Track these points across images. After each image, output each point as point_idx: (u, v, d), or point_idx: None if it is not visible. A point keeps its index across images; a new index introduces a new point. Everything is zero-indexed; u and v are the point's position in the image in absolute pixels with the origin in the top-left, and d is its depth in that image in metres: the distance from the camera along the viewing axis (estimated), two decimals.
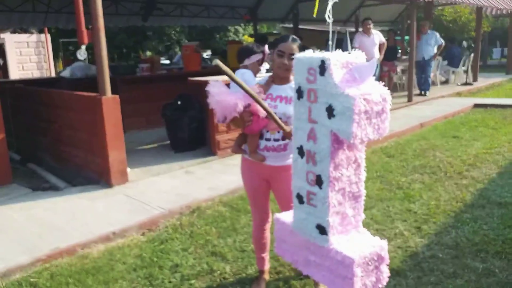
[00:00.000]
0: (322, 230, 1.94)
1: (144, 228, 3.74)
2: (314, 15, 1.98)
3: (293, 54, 2.36)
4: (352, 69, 1.76)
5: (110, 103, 4.69)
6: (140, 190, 4.60)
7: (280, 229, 2.26)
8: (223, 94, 2.38)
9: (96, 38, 4.58)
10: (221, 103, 2.36)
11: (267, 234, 2.80)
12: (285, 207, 2.65)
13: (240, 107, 2.34)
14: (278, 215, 2.29)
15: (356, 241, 1.95)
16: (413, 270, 2.96)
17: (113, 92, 4.83)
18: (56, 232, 3.63)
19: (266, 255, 2.87)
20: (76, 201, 4.35)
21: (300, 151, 1.97)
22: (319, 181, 1.89)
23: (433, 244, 3.30)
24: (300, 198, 2.03)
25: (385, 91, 1.75)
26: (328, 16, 1.95)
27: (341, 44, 10.63)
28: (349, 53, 1.80)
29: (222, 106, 2.37)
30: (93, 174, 5.07)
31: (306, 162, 1.94)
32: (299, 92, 1.91)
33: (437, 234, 3.47)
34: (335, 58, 1.75)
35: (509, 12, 14.72)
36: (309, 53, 1.86)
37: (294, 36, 2.45)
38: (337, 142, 1.82)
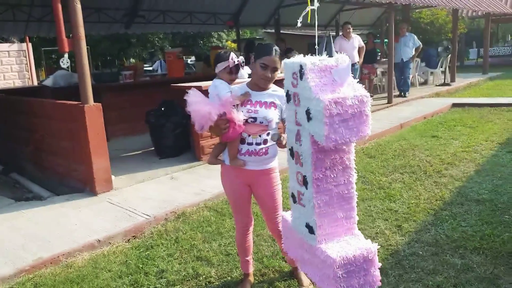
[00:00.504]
0: (310, 229, 1.99)
1: (129, 235, 3.75)
2: (308, 21, 2.03)
3: (276, 68, 2.44)
4: (331, 72, 1.80)
5: (93, 111, 4.69)
6: (125, 197, 4.60)
7: (284, 226, 2.35)
8: (199, 103, 2.44)
9: (77, 47, 4.58)
10: (197, 112, 2.43)
11: (250, 237, 2.84)
12: (266, 210, 2.71)
13: (214, 116, 2.40)
14: (283, 213, 2.41)
15: (345, 243, 1.97)
16: (394, 268, 3.03)
17: (96, 100, 4.83)
18: (39, 242, 3.62)
19: (250, 258, 2.90)
20: (60, 210, 4.33)
21: (291, 152, 2.04)
22: (305, 182, 1.95)
23: (414, 242, 3.38)
24: (293, 198, 2.10)
25: (364, 94, 1.77)
26: (309, 21, 2.01)
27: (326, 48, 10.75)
28: (331, 56, 1.84)
29: (198, 115, 2.43)
30: (77, 182, 5.05)
31: (295, 163, 2.00)
32: (288, 96, 1.97)
33: (417, 232, 3.55)
34: (312, 62, 1.79)
35: (484, 13, 15.12)
36: (296, 58, 1.90)
37: (277, 48, 2.47)
38: (316, 144, 1.87)
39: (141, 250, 3.47)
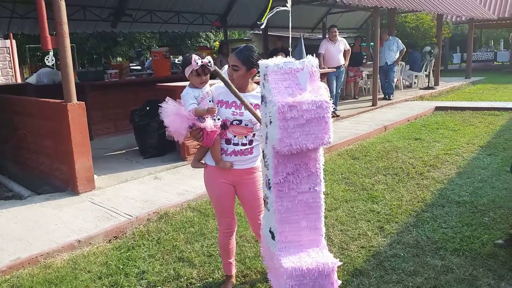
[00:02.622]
0: (272, 234, 1.95)
1: (111, 235, 3.71)
2: (262, 21, 2.02)
3: (235, 65, 2.45)
4: (296, 76, 1.77)
5: (76, 110, 4.63)
6: (107, 197, 4.54)
7: (262, 232, 2.30)
8: (170, 117, 2.46)
9: (60, 45, 4.52)
10: (169, 127, 2.47)
11: (233, 240, 2.83)
12: (250, 210, 2.71)
13: (183, 132, 2.46)
14: (262, 218, 2.34)
15: (305, 255, 1.89)
16: (375, 269, 3.05)
17: (80, 98, 4.77)
18: (17, 242, 3.54)
19: (233, 260, 2.89)
20: (40, 210, 4.26)
21: (263, 155, 2.02)
22: (269, 185, 1.93)
23: (395, 243, 3.41)
24: (264, 201, 2.08)
25: (324, 100, 1.70)
26: (264, 24, 2.01)
27: (311, 50, 10.83)
28: (300, 58, 1.82)
29: (171, 129, 2.48)
30: (59, 181, 4.98)
31: (264, 165, 1.99)
32: (262, 98, 1.94)
33: (399, 234, 3.59)
34: (275, 64, 1.76)
35: (467, 19, 15.38)
36: (265, 60, 1.88)
37: (244, 47, 2.50)
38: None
39: (122, 251, 3.43)
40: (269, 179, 1.92)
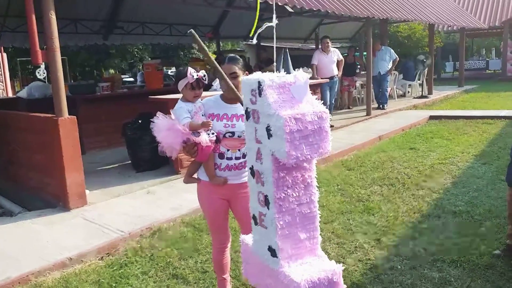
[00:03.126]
0: (272, 252, 1.90)
1: (103, 252, 3.63)
2: (251, 35, 2.01)
3: (234, 73, 2.41)
4: (289, 89, 1.76)
5: (67, 124, 4.57)
6: (99, 212, 4.47)
7: (245, 250, 2.20)
8: (163, 132, 2.42)
9: (51, 59, 4.48)
10: (162, 142, 2.44)
11: (227, 255, 2.77)
12: (245, 225, 2.64)
13: (177, 147, 2.42)
14: (243, 237, 2.22)
15: (308, 265, 1.89)
16: (373, 283, 3.01)
17: (72, 112, 4.72)
18: (8, 260, 3.46)
19: (228, 276, 2.83)
20: (31, 227, 4.17)
21: (252, 171, 1.95)
22: (267, 202, 1.87)
23: (392, 256, 3.38)
24: (255, 219, 2.00)
25: (323, 110, 1.74)
26: (256, 38, 1.99)
27: (304, 61, 10.89)
28: (289, 72, 1.81)
29: (164, 145, 2.44)
30: (50, 197, 4.90)
31: (256, 182, 1.93)
32: (247, 113, 1.90)
33: (396, 246, 3.55)
34: (270, 79, 1.75)
35: (459, 28, 15.55)
36: (253, 75, 1.84)
37: (232, 56, 2.49)
38: (278, 161, 1.81)
39: (115, 268, 3.36)
40: (266, 196, 1.87)
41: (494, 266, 3.11)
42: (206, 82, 2.49)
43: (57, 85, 4.54)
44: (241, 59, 2.50)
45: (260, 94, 1.78)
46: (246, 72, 2.48)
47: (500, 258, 3.21)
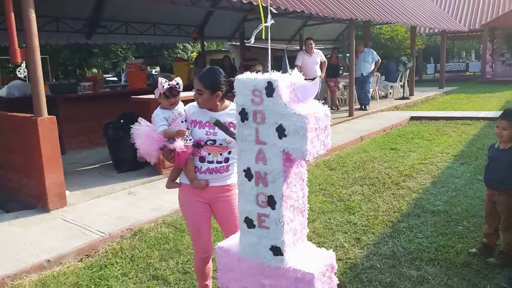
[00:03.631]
0: (276, 250, 1.91)
1: (82, 254, 3.59)
2: (263, 37, 2.04)
3: (199, 90, 2.41)
4: (295, 89, 1.81)
5: (47, 124, 4.50)
6: (79, 213, 4.41)
7: (224, 257, 2.14)
8: (141, 138, 2.44)
9: (30, 58, 4.41)
10: (140, 149, 2.46)
11: (210, 263, 2.75)
12: (228, 228, 2.63)
13: (154, 153, 2.46)
14: (221, 244, 2.16)
15: (306, 255, 1.97)
16: (353, 281, 3.04)
17: (53, 112, 4.66)
18: None
19: (209, 282, 2.81)
20: (8, 228, 4.09)
21: (248, 174, 1.92)
22: (271, 202, 1.88)
23: (372, 255, 3.42)
24: (249, 222, 1.96)
25: (327, 109, 1.84)
26: (263, 37, 2.00)
27: (288, 62, 10.94)
28: (289, 73, 1.83)
29: (142, 151, 2.47)
30: (29, 198, 4.82)
31: (256, 184, 1.91)
32: (243, 114, 1.87)
33: (375, 245, 3.59)
34: (281, 79, 1.77)
35: (440, 31, 15.82)
36: (251, 75, 1.85)
37: (207, 71, 2.47)
38: (288, 161, 1.84)
39: (94, 270, 3.32)
40: (270, 196, 1.88)
41: (470, 264, 3.18)
42: (181, 89, 2.49)
43: (37, 85, 4.47)
44: (219, 75, 2.44)
45: (270, 94, 1.79)
46: (218, 92, 2.43)
47: (476, 256, 3.28)
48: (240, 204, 1.98)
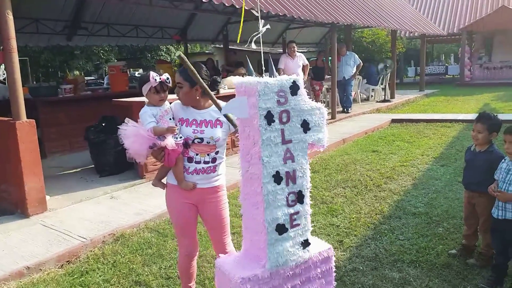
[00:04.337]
0: (305, 243, 2.02)
1: (63, 260, 3.52)
2: (238, 41, 2.09)
3: (179, 83, 2.43)
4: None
5: (26, 128, 4.42)
6: (60, 219, 4.34)
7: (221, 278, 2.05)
8: (130, 138, 2.41)
9: (8, 61, 4.32)
10: (129, 148, 2.44)
11: (195, 263, 2.74)
12: (214, 230, 2.63)
13: (143, 152, 2.43)
14: (220, 262, 2.07)
15: (310, 242, 2.11)
16: (336, 284, 3.05)
17: (33, 115, 4.56)
18: None
19: (193, 284, 2.80)
20: None
21: (277, 178, 1.90)
22: (300, 197, 1.99)
23: (354, 257, 3.45)
24: (281, 228, 1.93)
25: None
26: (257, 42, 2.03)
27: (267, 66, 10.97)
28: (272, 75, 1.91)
29: (131, 151, 2.45)
30: (7, 204, 4.71)
31: (286, 185, 1.93)
32: (269, 117, 1.85)
33: (357, 247, 3.63)
34: (299, 79, 1.98)
35: (420, 34, 16.11)
36: (265, 78, 1.89)
37: (182, 69, 2.44)
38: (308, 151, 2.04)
39: (75, 276, 3.27)
40: (299, 192, 1.98)
41: (450, 266, 3.23)
42: (170, 84, 2.48)
43: (15, 88, 4.38)
44: (200, 69, 2.45)
45: (294, 93, 1.93)
46: (197, 87, 2.42)
47: (456, 257, 3.34)
48: (267, 214, 1.89)
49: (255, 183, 1.89)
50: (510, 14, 17.53)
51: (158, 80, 2.39)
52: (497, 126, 3.16)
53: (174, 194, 2.55)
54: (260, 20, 2.02)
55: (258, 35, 2.01)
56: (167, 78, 2.45)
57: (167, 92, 2.48)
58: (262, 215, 1.89)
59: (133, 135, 2.41)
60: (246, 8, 2.41)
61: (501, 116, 3.60)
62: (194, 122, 2.45)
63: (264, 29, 1.99)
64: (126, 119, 2.46)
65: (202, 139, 2.43)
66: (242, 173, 1.96)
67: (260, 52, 2.03)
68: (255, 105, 1.81)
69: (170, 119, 2.45)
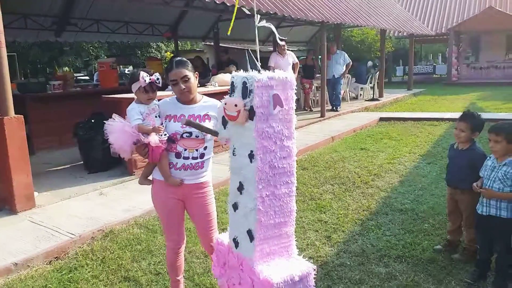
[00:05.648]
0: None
1: (51, 256, 3.52)
2: (228, 33, 2.10)
3: (185, 76, 2.43)
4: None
5: (13, 124, 4.39)
6: (48, 215, 4.32)
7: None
8: (115, 134, 2.44)
9: None
10: (114, 144, 2.45)
11: (182, 256, 2.76)
12: (201, 225, 2.65)
13: (127, 148, 2.45)
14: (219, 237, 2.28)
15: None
16: (323, 279, 3.10)
17: (21, 111, 4.54)
18: None
19: (181, 278, 2.82)
20: None
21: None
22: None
23: (342, 253, 3.50)
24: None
25: None
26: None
27: (262, 63, 11.01)
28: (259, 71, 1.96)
29: (116, 147, 2.46)
30: None
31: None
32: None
33: (345, 242, 3.68)
34: None
35: (408, 34, 16.27)
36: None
37: (179, 59, 2.49)
38: None
39: (64, 273, 3.26)
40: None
41: (436, 261, 3.29)
42: (160, 85, 2.49)
43: (2, 83, 4.35)
44: (188, 61, 2.51)
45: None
46: (196, 73, 2.50)
47: (441, 252, 3.40)
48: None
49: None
50: (497, 15, 17.79)
51: (147, 81, 2.41)
52: (480, 126, 3.22)
53: (160, 190, 2.57)
54: (256, 15, 2.05)
55: (270, 27, 2.05)
56: (157, 79, 2.46)
57: (156, 92, 2.50)
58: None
59: (118, 131, 2.43)
60: (237, 6, 2.45)
61: (487, 115, 3.68)
62: (182, 117, 2.46)
63: (264, 23, 2.02)
64: (114, 115, 2.48)
65: (190, 133, 2.44)
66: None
67: (255, 49, 2.09)
68: (293, 98, 2.01)
69: (156, 116, 2.47)
